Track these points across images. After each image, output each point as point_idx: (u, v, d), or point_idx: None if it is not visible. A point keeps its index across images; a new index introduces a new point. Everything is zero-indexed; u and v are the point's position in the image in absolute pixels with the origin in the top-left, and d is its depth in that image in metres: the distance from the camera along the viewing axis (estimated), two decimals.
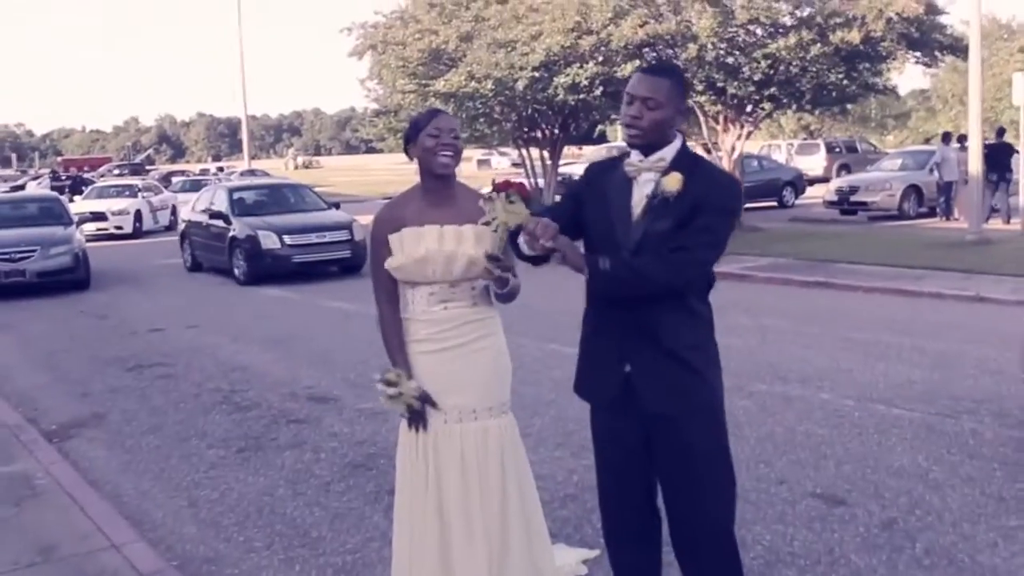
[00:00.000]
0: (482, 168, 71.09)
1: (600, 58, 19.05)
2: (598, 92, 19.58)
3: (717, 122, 20.65)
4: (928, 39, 18.23)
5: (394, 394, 3.66)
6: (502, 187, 3.39)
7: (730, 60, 18.40)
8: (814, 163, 39.86)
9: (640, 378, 3.33)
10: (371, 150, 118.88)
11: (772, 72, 18.08)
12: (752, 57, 17.80)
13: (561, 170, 26.45)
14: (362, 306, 13.12)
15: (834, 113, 23.38)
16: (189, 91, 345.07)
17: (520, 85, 19.56)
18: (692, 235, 3.23)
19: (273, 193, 18.81)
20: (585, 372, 3.54)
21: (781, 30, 17.82)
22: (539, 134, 24.09)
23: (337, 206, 18.51)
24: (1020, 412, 6.93)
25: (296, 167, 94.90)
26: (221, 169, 54.49)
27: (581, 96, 20.03)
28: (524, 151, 25.13)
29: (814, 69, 17.85)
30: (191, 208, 19.35)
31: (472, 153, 73.70)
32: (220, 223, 17.13)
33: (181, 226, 19.63)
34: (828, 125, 56.32)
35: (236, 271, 16.48)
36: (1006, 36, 53.02)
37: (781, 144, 44.91)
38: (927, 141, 62.09)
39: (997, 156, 20.24)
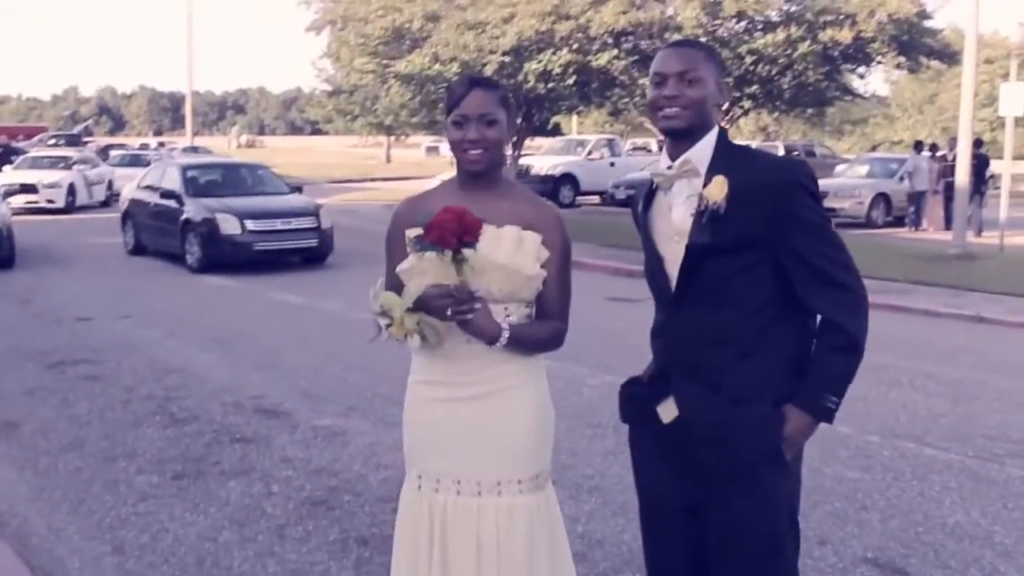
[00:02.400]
0: (430, 155, 70.03)
1: (575, 45, 18.21)
2: (570, 81, 18.77)
3: None
4: (917, 43, 17.69)
5: (389, 322, 2.73)
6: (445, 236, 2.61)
7: None
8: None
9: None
10: (317, 132, 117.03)
11: (754, 69, 17.39)
12: (736, 52, 17.09)
13: (521, 162, 25.67)
14: (316, 300, 12.21)
15: (810, 116, 22.82)
16: (132, 63, 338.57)
17: (489, 70, 18.66)
18: (816, 264, 2.62)
19: (231, 173, 17.40)
20: None
21: (769, 25, 17.11)
22: None
23: (299, 190, 17.27)
24: None
25: (239, 145, 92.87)
26: (162, 144, 52.80)
27: (551, 84, 19.21)
28: None
29: (799, 68, 17.20)
30: (136, 185, 17.88)
31: (422, 139, 72.67)
32: (171, 203, 15.74)
33: (123, 204, 18.07)
34: (785, 127, 56.19)
35: (188, 257, 15.16)
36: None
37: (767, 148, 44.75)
38: (874, 148, 62.47)
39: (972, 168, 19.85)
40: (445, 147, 71.81)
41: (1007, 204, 17.78)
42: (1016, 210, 20.65)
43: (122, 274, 14.95)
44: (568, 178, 28.52)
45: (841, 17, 16.74)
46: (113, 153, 37.65)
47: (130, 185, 18.87)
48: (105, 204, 27.67)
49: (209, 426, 6.79)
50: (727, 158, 2.67)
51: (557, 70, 18.45)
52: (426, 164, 55.87)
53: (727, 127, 19.49)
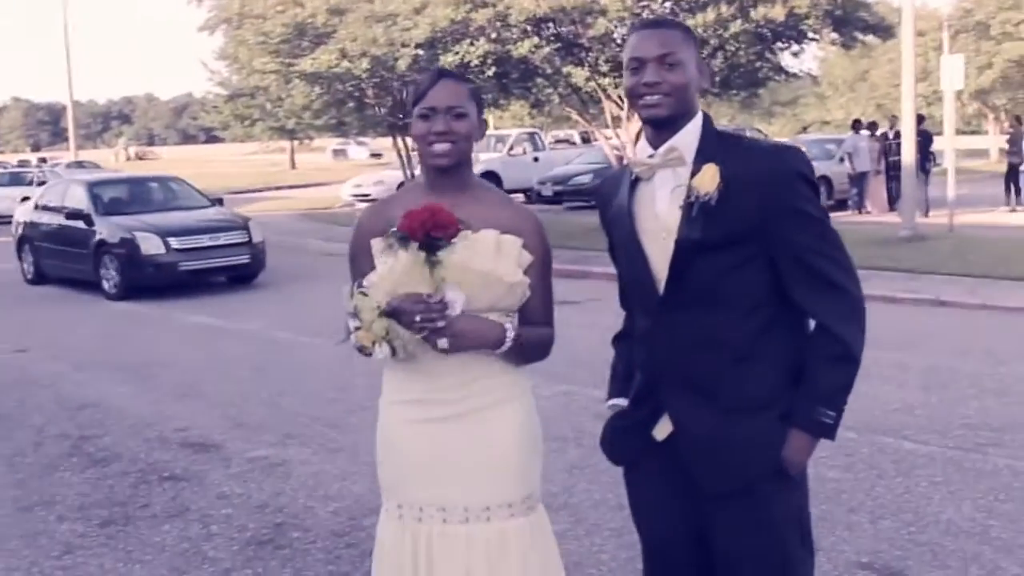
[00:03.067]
0: (338, 159, 69.43)
1: (493, 35, 18.19)
2: (490, 73, 18.73)
3: (621, 107, 20.05)
4: (852, 18, 18.04)
5: (358, 325, 2.66)
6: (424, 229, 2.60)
7: None
8: None
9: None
10: (212, 139, 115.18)
11: None
12: None
13: None
14: (235, 322, 11.98)
15: (743, 99, 23.14)
16: (2, 74, 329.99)
17: (402, 64, 18.54)
18: (812, 262, 2.57)
19: (142, 187, 16.82)
20: None
21: (698, 5, 17.28)
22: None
23: (220, 202, 16.74)
24: None
25: (128, 158, 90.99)
26: (43, 160, 51.52)
27: (469, 77, 19.15)
28: (400, 140, 24.11)
29: (730, 49, 17.41)
30: (32, 206, 17.05)
31: (326, 142, 72.00)
32: (79, 224, 14.95)
33: (16, 228, 17.22)
34: (714, 111, 56.98)
35: (105, 283, 14.46)
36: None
37: None
38: (804, 129, 63.67)
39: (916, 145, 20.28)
40: (354, 150, 71.56)
41: (954, 182, 18.17)
42: (962, 188, 21.15)
43: (20, 305, 14.48)
44: (489, 176, 28.44)
45: None
46: None
47: (23, 207, 18.12)
48: None
49: (133, 465, 6.58)
50: (715, 145, 2.61)
51: (475, 62, 18.39)
52: (333, 169, 55.41)
53: None
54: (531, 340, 2.80)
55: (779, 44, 19.41)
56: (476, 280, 2.66)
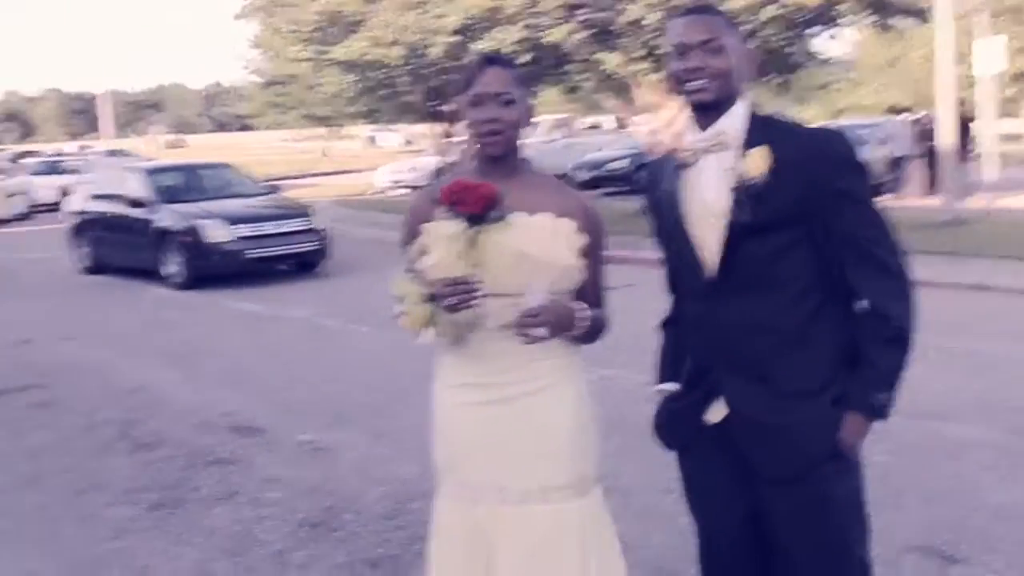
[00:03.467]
0: (369, 146, 69.50)
1: (526, 22, 18.14)
2: (524, 60, 18.66)
3: (655, 93, 19.94)
4: (889, 1, 17.84)
5: (403, 310, 2.70)
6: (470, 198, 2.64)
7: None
8: None
9: None
10: (245, 127, 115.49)
11: None
12: None
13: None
14: (277, 307, 12.07)
15: (777, 84, 22.99)
16: (36, 64, 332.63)
17: (434, 52, 18.54)
18: (861, 244, 2.60)
19: (199, 174, 16.41)
20: None
21: None
22: (447, 107, 23.15)
23: (276, 190, 16.58)
24: None
25: (166, 146, 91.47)
26: (83, 149, 51.96)
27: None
28: (434, 127, 24.13)
29: (765, 33, 17.26)
30: (86, 195, 16.90)
31: (360, 130, 72.06)
32: (138, 212, 14.72)
33: (69, 218, 17.06)
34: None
35: (168, 272, 14.14)
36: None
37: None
38: (841, 113, 63.03)
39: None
40: (383, 138, 71.61)
41: (994, 166, 17.98)
42: (1002, 171, 20.92)
43: (72, 293, 14.55)
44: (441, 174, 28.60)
45: None
46: (27, 161, 37.01)
47: (76, 196, 18.03)
48: (25, 217, 27.15)
49: (180, 449, 6.65)
50: (761, 129, 2.62)
51: (509, 49, 18.33)
52: (364, 157, 55.51)
53: None
54: (596, 324, 2.82)
55: (813, 29, 19.21)
56: (532, 264, 2.68)
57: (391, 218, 21.20)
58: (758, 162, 2.57)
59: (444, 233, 2.67)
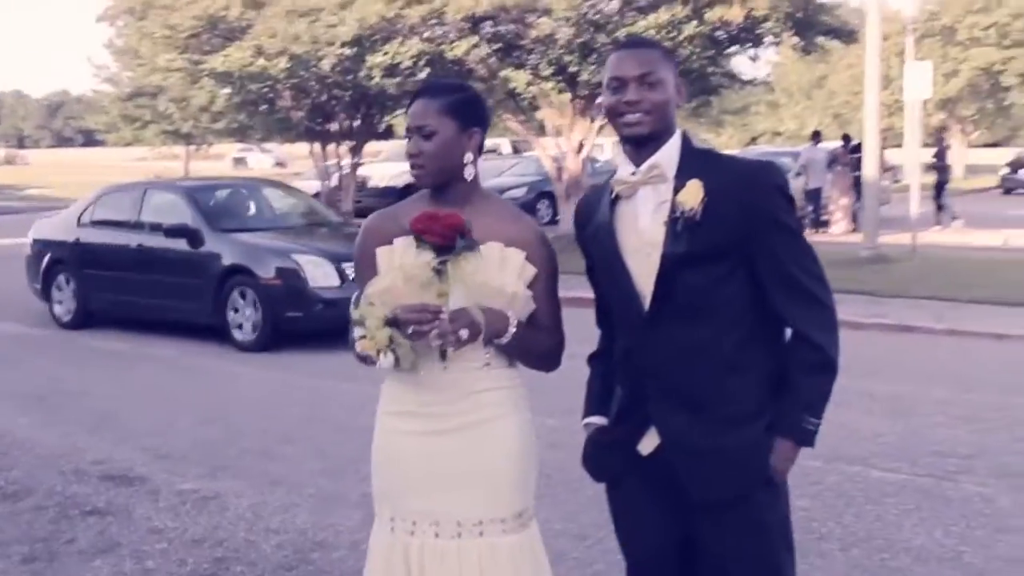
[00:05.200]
0: (238, 167, 68.99)
1: (427, 33, 18.56)
2: (422, 75, 19.06)
3: (563, 114, 20.52)
4: (814, 21, 18.69)
5: (363, 334, 2.94)
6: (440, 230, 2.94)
7: (584, 39, 18.23)
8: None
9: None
10: (91, 142, 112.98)
11: None
12: (613, 37, 17.72)
13: (358, 172, 25.78)
14: (142, 345, 12.12)
15: (693, 107, 23.77)
16: None
17: (326, 64, 18.80)
18: (792, 273, 2.94)
19: (250, 196, 14.11)
20: None
21: (650, 5, 17.83)
22: (336, 126, 23.37)
23: (345, 221, 14.88)
24: None
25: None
26: None
27: (398, 79, 19.47)
28: (316, 147, 24.29)
29: (683, 53, 17.93)
30: (68, 222, 14.12)
31: (226, 149, 71.52)
32: (177, 245, 12.38)
33: (37, 255, 14.21)
34: None
35: (236, 328, 11.86)
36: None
37: (604, 143, 45.53)
38: (754, 140, 64.66)
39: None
40: (255, 158, 71.07)
41: (918, 199, 18.86)
42: (926, 204, 21.91)
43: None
44: (413, 190, 28.70)
45: None
46: None
47: (45, 224, 14.88)
48: None
49: (50, 499, 6.75)
50: (695, 161, 2.96)
51: (407, 63, 18.73)
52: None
53: (603, 122, 20.11)
54: (536, 342, 3.12)
55: (734, 48, 20.00)
56: (481, 292, 2.98)
57: None
58: (693, 194, 2.90)
59: (408, 261, 2.95)
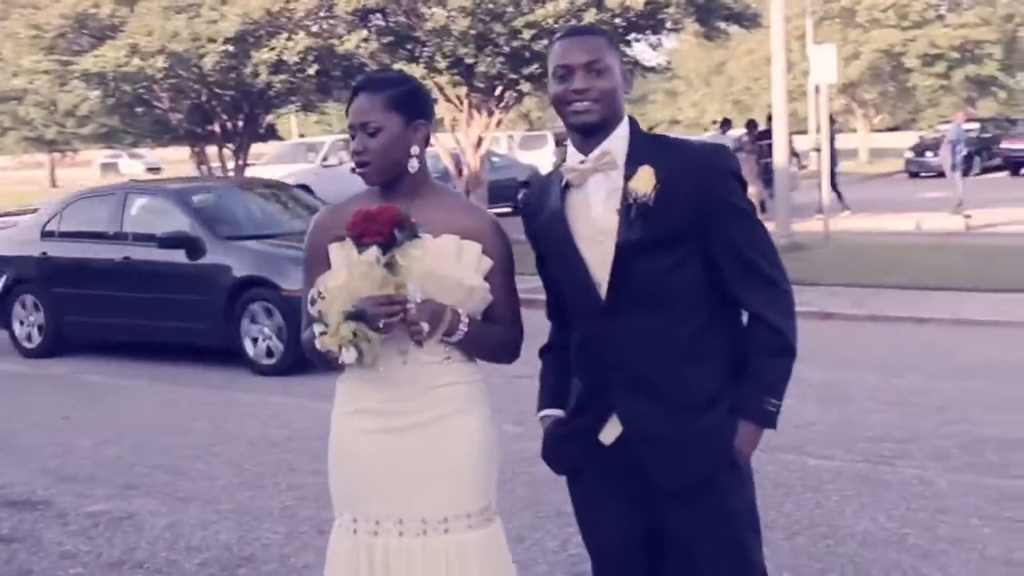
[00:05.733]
0: (107, 173, 67.82)
1: (314, 27, 18.52)
2: (311, 71, 18.99)
3: (460, 108, 20.62)
4: (715, 6, 19.07)
5: (323, 330, 3.01)
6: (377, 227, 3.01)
7: (480, 30, 18.33)
8: (541, 158, 40.83)
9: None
10: None
11: (532, 45, 18.23)
12: (511, 26, 17.87)
13: (246, 173, 25.56)
14: (30, 365, 11.97)
15: None
16: None
17: (208, 62, 18.63)
18: (749, 257, 3.06)
19: (257, 200, 13.31)
20: None
21: None
22: (217, 127, 23.13)
23: None
24: (960, 451, 7.13)
25: None
26: None
27: (285, 76, 19.38)
28: (198, 151, 24.01)
29: None
30: (29, 233, 13.00)
31: (95, 155, 70.30)
32: (173, 257, 11.37)
33: None
34: (551, 113, 58.29)
35: (253, 348, 10.96)
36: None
37: (501, 136, 45.81)
38: (650, 130, 65.20)
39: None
40: (126, 164, 69.92)
41: (828, 185, 19.36)
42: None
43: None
44: (302, 190, 28.59)
45: None
46: None
47: (2, 237, 13.90)
48: None
49: None
50: (646, 147, 3.07)
51: (294, 59, 18.64)
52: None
53: (502, 116, 20.25)
54: (492, 336, 3.22)
55: (635, 35, 20.29)
56: (437, 285, 3.06)
57: None
58: (645, 180, 3.00)
59: (358, 260, 3.00)
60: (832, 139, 24.24)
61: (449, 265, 3.10)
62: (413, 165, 3.18)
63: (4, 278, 12.64)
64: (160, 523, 6.51)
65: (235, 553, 5.88)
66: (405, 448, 3.14)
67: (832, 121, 24.70)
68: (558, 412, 3.28)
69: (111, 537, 6.33)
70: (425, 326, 3.00)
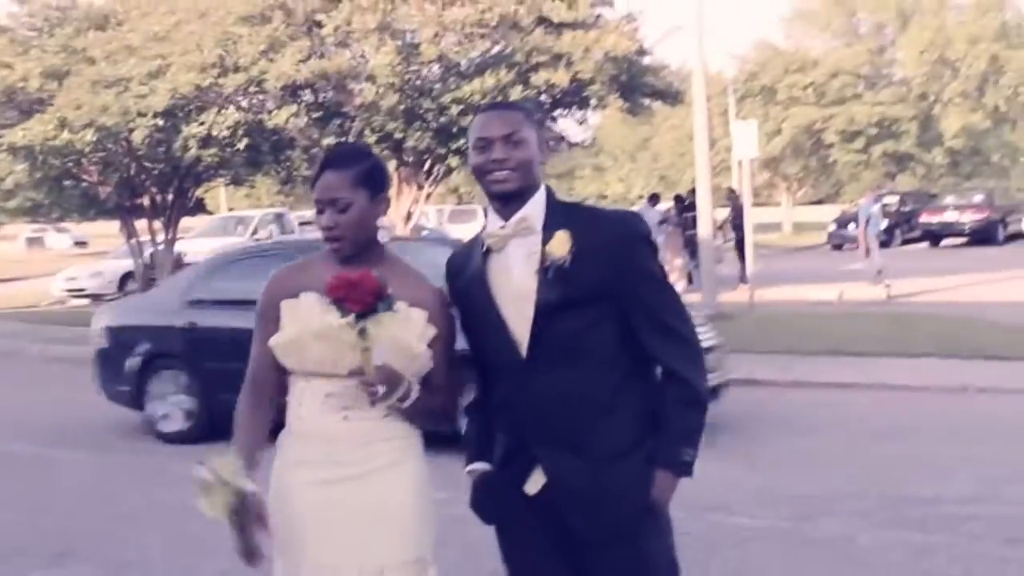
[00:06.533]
0: (33, 248, 67.17)
1: (244, 102, 18.72)
2: (241, 145, 19.16)
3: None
4: (639, 84, 19.55)
5: (207, 480, 3.13)
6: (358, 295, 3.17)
7: (408, 105, 18.64)
8: (471, 232, 40.99)
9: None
10: None
11: (460, 120, 18.55)
12: (439, 102, 18.20)
13: (175, 248, 25.54)
14: None
15: None
16: None
17: (138, 136, 18.73)
18: (661, 318, 3.29)
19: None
20: None
21: (476, 69, 18.39)
22: (146, 201, 23.16)
23: None
24: (880, 509, 7.35)
25: None
26: None
27: (215, 150, 19.53)
28: (129, 225, 24.00)
29: None
30: (169, 301, 11.30)
31: (20, 229, 69.55)
32: None
33: (105, 341, 11.50)
34: (480, 188, 58.76)
35: None
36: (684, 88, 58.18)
37: (430, 210, 46.16)
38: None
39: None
40: (52, 237, 69.23)
41: (752, 256, 19.77)
42: (758, 262, 22.91)
43: None
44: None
45: (554, 57, 18.28)
46: None
47: (122, 306, 12.83)
48: None
49: None
50: (562, 213, 3.30)
51: (224, 133, 18.82)
52: (29, 261, 53.61)
53: (431, 189, 20.52)
54: (433, 402, 3.36)
55: (560, 111, 20.72)
56: (396, 352, 3.22)
57: (75, 332, 20.93)
58: (561, 244, 3.22)
59: (333, 322, 3.15)
60: (736, 212, 24.77)
61: (409, 335, 3.25)
62: (382, 236, 3.38)
63: (138, 353, 11.12)
64: None
65: None
66: (342, 499, 3.27)
67: (732, 194, 25.22)
68: (484, 465, 3.44)
69: None
70: (381, 388, 3.16)
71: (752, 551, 6.60)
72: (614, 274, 3.21)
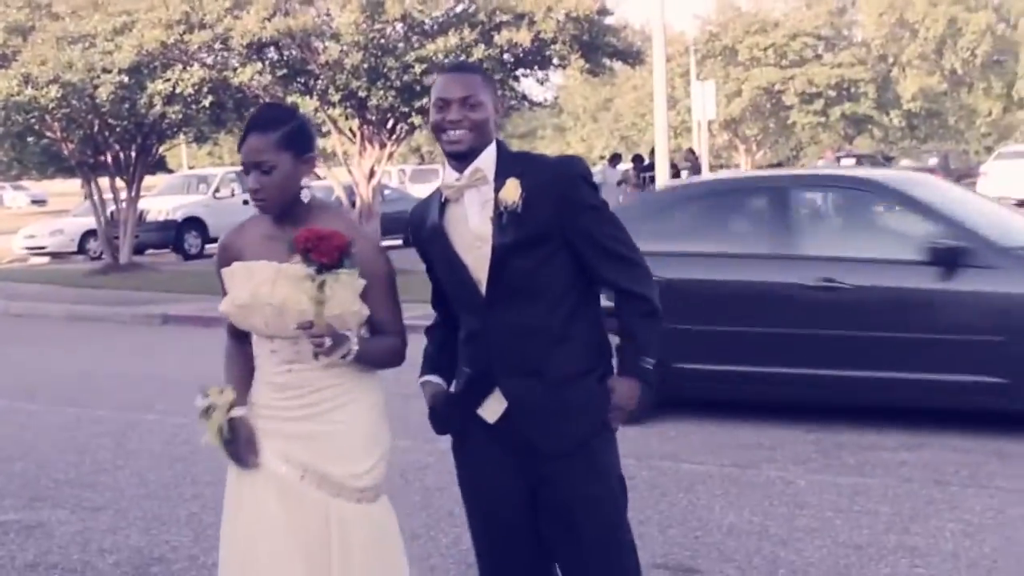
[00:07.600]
0: None
1: (209, 59, 18.84)
2: (206, 103, 19.31)
3: (353, 140, 21.03)
4: (600, 43, 19.79)
5: (205, 406, 3.55)
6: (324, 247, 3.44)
7: (372, 64, 18.80)
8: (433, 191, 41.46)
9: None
10: None
11: (423, 79, 18.75)
12: (403, 61, 18.38)
13: (141, 205, 25.64)
14: None
15: None
16: None
17: (103, 92, 18.83)
18: (608, 245, 3.62)
19: None
20: None
21: (439, 28, 18.58)
22: (109, 158, 23.20)
23: None
24: (819, 455, 7.76)
25: None
26: None
27: (179, 107, 19.66)
28: (91, 183, 24.05)
29: None
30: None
31: None
32: (924, 280, 8.11)
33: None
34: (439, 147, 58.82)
35: None
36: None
37: (393, 170, 46.20)
38: None
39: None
40: (10, 195, 68.80)
41: None
42: None
43: None
44: (193, 222, 28.60)
45: (517, 17, 18.49)
46: None
47: None
48: None
49: None
50: (511, 163, 3.62)
51: (189, 90, 18.96)
52: None
53: (394, 148, 20.70)
54: (378, 348, 3.66)
55: (523, 71, 20.94)
56: (341, 312, 3.51)
57: (37, 289, 21.11)
58: (512, 191, 3.53)
59: (296, 269, 3.43)
60: (695, 173, 25.20)
61: (354, 296, 3.53)
62: (306, 195, 3.63)
63: None
64: (70, 530, 6.80)
65: (146, 555, 6.22)
66: (293, 431, 3.62)
67: (692, 155, 25.60)
68: (437, 378, 3.80)
69: (24, 543, 6.61)
70: (328, 340, 3.45)
71: (698, 494, 6.97)
72: (561, 212, 3.53)
